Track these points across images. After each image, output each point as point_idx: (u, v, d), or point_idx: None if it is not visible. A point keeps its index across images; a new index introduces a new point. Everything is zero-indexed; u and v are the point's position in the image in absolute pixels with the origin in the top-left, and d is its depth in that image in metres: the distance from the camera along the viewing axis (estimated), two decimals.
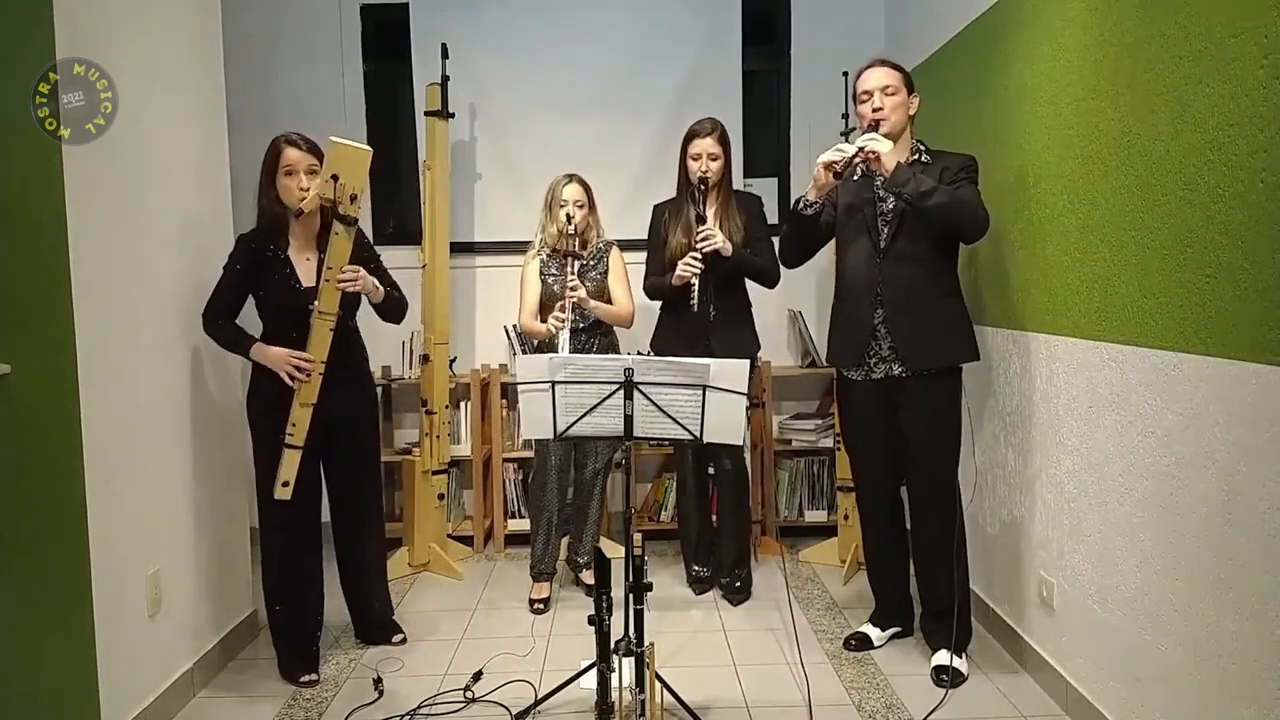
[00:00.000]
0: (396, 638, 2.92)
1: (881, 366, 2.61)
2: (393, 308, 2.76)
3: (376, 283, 2.63)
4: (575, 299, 3.03)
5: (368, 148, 2.49)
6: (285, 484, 2.51)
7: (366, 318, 2.78)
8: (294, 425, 2.51)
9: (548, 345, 3.13)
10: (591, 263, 3.24)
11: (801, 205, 2.61)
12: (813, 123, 4.03)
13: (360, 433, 2.77)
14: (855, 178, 2.66)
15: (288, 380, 2.48)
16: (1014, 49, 2.66)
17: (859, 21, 4.01)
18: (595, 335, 3.25)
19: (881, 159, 2.40)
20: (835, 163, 2.44)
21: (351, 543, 2.83)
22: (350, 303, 2.63)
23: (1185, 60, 1.85)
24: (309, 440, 2.53)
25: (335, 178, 2.41)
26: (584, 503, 3.33)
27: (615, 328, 3.33)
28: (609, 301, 3.24)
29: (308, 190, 2.51)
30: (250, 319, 2.65)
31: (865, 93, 2.55)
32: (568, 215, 3.13)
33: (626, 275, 3.29)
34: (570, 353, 3.00)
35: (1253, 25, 1.66)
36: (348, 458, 2.74)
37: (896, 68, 2.58)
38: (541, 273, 3.24)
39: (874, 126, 2.48)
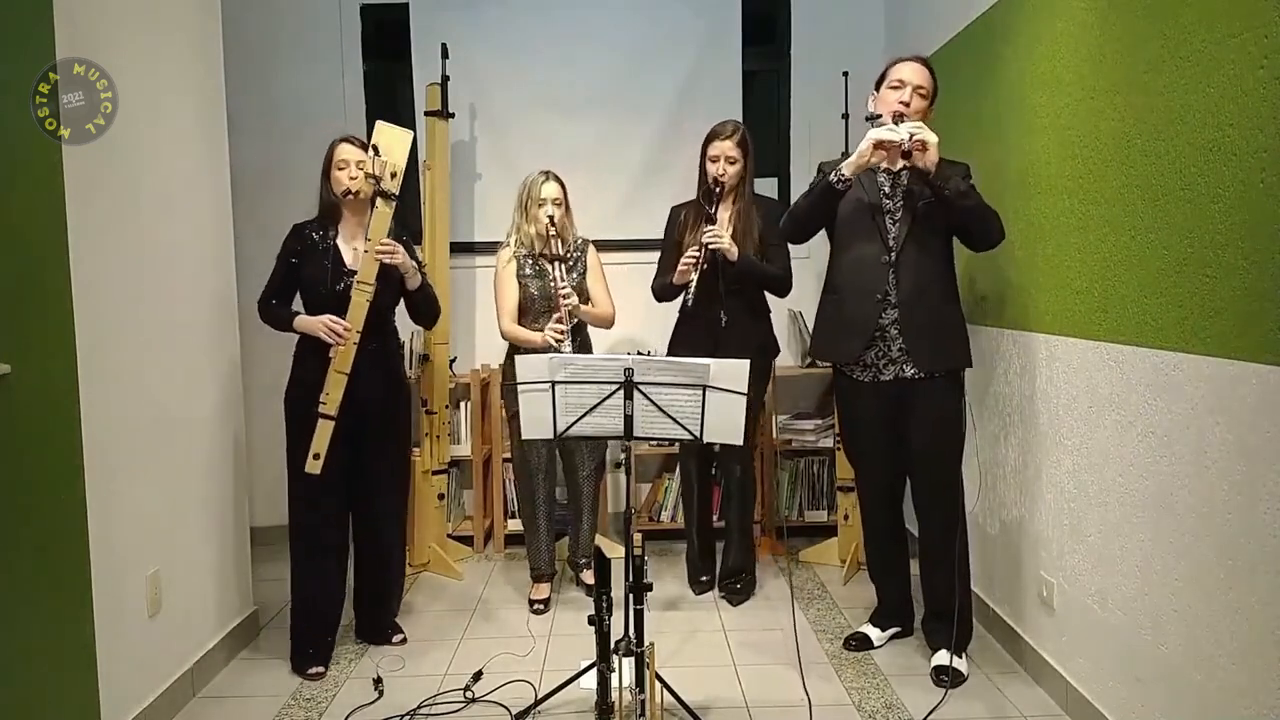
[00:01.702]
0: (397, 638, 2.92)
1: (891, 368, 2.59)
2: (426, 300, 2.84)
3: (416, 266, 2.75)
4: (570, 306, 2.97)
5: (408, 130, 2.67)
6: (316, 456, 2.55)
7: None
8: (327, 393, 2.56)
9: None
10: (570, 263, 3.16)
11: (835, 179, 2.49)
12: (813, 123, 4.04)
13: (391, 418, 2.79)
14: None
15: (325, 337, 2.56)
16: (1014, 49, 2.66)
17: (859, 21, 4.01)
18: (574, 339, 3.11)
19: (929, 151, 2.35)
20: (887, 142, 2.36)
21: (374, 534, 2.83)
22: (391, 290, 2.71)
23: (1185, 60, 1.85)
24: (342, 427, 2.58)
25: (376, 149, 2.61)
26: (578, 505, 3.31)
27: (591, 329, 3.26)
28: (586, 300, 3.17)
29: (356, 178, 2.67)
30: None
31: (900, 81, 2.48)
32: (551, 217, 3.03)
33: (604, 274, 3.23)
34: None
35: (1252, 26, 1.66)
36: (379, 441, 2.75)
37: (934, 75, 2.53)
38: (519, 274, 3.15)
39: (898, 118, 2.41)
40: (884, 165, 2.56)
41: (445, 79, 3.72)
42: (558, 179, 3.13)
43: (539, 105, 4.00)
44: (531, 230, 3.11)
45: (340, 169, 2.68)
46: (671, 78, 4.00)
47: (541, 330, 3.02)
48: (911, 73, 2.49)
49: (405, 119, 4.06)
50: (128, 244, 2.33)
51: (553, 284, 2.99)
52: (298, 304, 2.76)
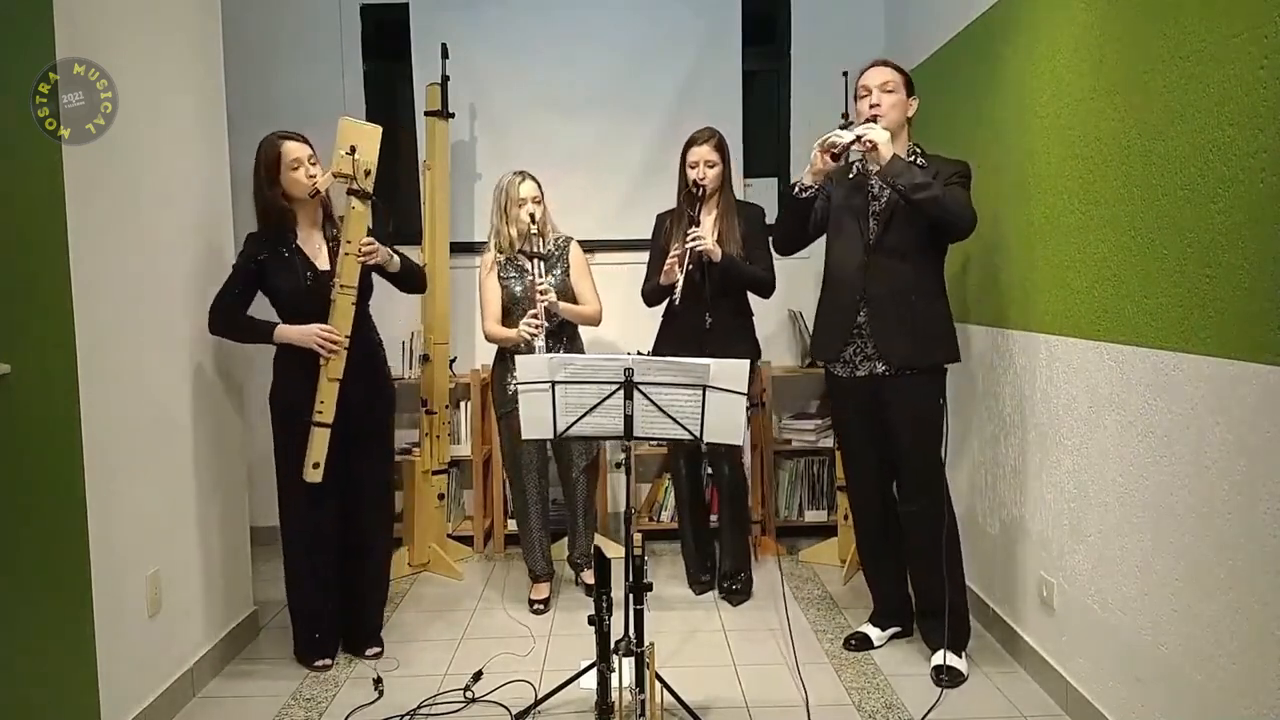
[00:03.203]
0: (371, 650, 2.81)
1: (866, 365, 2.62)
2: (410, 273, 2.78)
3: (390, 252, 2.68)
4: (546, 302, 2.96)
5: (377, 126, 2.59)
6: (316, 465, 2.53)
7: (377, 310, 2.81)
8: (322, 403, 2.54)
9: (521, 352, 3.02)
10: (551, 261, 3.16)
11: (796, 189, 2.61)
12: (813, 123, 4.03)
13: (376, 418, 2.77)
14: (851, 175, 2.68)
15: (319, 351, 2.52)
16: (1014, 49, 2.66)
17: (859, 21, 4.01)
18: (560, 337, 3.15)
19: (878, 149, 2.40)
20: (833, 146, 2.45)
21: (356, 534, 2.79)
22: (364, 286, 2.67)
23: (1185, 60, 1.85)
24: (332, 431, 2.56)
25: (353, 149, 2.50)
26: (573, 505, 3.31)
27: (582, 330, 3.26)
28: (573, 300, 3.16)
29: (316, 177, 2.57)
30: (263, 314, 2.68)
31: (864, 88, 2.57)
32: (531, 215, 3.03)
33: (590, 270, 3.22)
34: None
35: (1253, 25, 1.66)
36: (363, 441, 2.72)
37: (898, 69, 2.59)
38: (501, 277, 3.15)
39: (871, 121, 2.50)
40: (872, 167, 2.59)
41: (445, 79, 3.72)
42: (533, 178, 3.12)
43: (539, 105, 4.00)
44: (512, 231, 3.10)
45: (294, 169, 2.56)
46: (671, 78, 4.00)
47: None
48: (871, 76, 2.58)
49: (405, 119, 4.07)
50: (128, 244, 2.33)
51: (531, 280, 2.99)
52: (260, 313, 2.68)
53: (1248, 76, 1.67)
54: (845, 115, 3.67)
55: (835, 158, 2.47)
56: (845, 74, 3.65)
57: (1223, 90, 1.74)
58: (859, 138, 2.42)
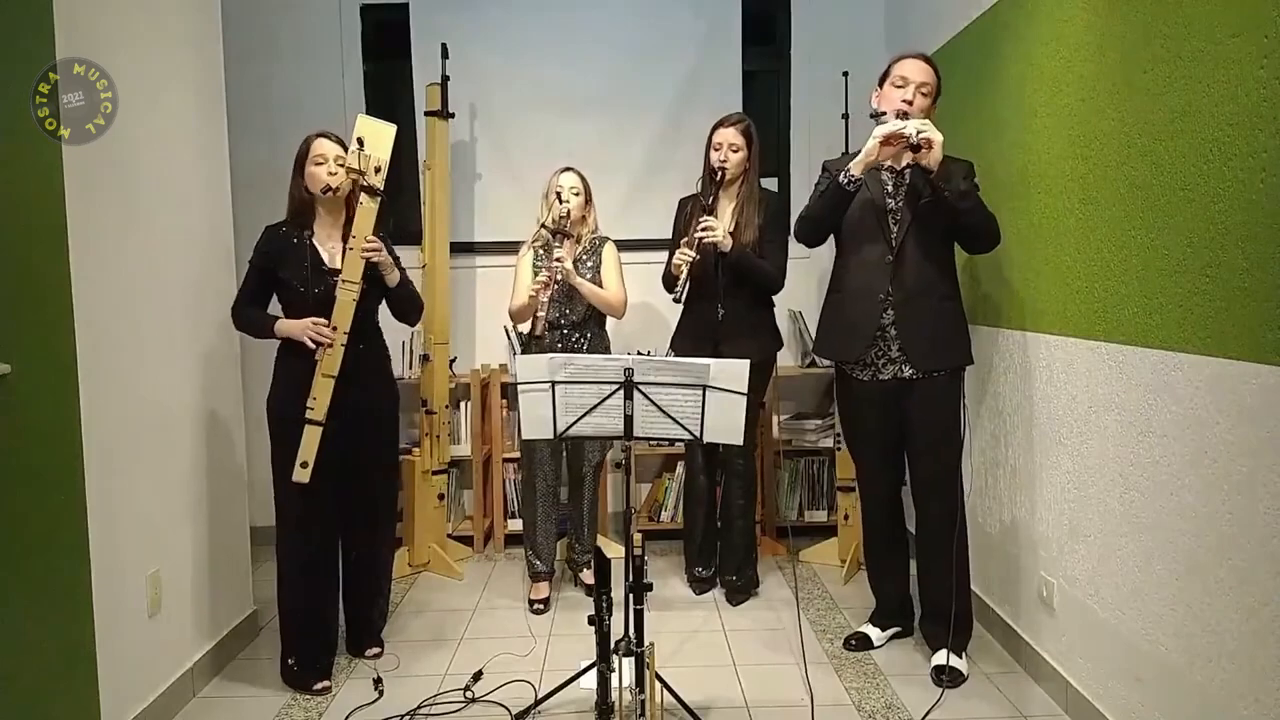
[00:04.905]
0: (371, 651, 2.81)
1: (890, 368, 2.60)
2: (407, 298, 2.77)
3: (393, 262, 2.68)
4: (559, 267, 3.03)
5: (391, 124, 2.59)
6: (304, 465, 2.50)
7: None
8: (314, 399, 2.51)
9: (532, 337, 3.06)
10: (585, 255, 3.23)
11: (845, 180, 2.49)
12: (813, 123, 4.04)
13: (384, 423, 2.76)
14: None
15: (309, 344, 2.50)
16: (1014, 49, 2.66)
17: (859, 21, 4.01)
18: (585, 333, 3.20)
19: (934, 149, 2.34)
20: (894, 137, 2.36)
21: (362, 544, 2.77)
22: (376, 289, 2.66)
23: (1185, 60, 1.85)
24: (332, 433, 2.53)
25: (361, 143, 2.52)
26: (579, 503, 3.32)
27: (608, 332, 3.31)
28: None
29: (336, 174, 2.59)
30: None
31: (903, 79, 2.48)
32: (559, 195, 3.14)
33: (620, 267, 3.26)
34: (549, 334, 3.08)
35: (1253, 25, 1.66)
36: (373, 447, 2.70)
37: (938, 73, 2.53)
38: (535, 265, 3.21)
39: (902, 116, 2.42)
40: (888, 163, 2.56)
41: (445, 79, 3.72)
42: (579, 174, 3.22)
43: (539, 105, 4.00)
44: (547, 217, 3.17)
45: (318, 164, 2.58)
46: (671, 78, 4.00)
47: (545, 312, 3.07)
48: (914, 70, 2.49)
49: (405, 119, 4.06)
50: (128, 244, 2.33)
51: (553, 251, 3.06)
52: (275, 308, 2.67)
53: (1248, 76, 1.67)
54: (845, 117, 3.68)
55: (915, 147, 2.34)
56: (845, 74, 3.66)
57: (1223, 90, 1.74)
58: (919, 132, 2.33)
